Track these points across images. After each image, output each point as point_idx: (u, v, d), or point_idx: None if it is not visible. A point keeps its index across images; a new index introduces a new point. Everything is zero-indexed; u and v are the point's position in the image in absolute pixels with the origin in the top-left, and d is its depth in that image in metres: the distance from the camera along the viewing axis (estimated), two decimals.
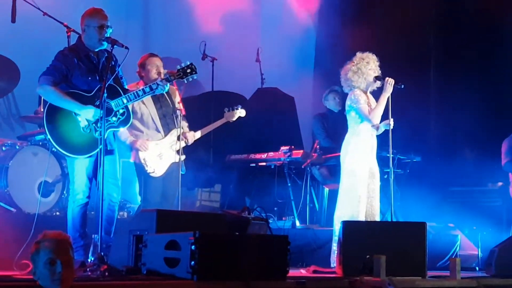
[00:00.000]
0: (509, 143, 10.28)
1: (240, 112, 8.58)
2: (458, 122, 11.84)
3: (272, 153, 10.00)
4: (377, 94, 7.97)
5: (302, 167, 9.79)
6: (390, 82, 7.73)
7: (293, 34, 12.56)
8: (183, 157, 7.99)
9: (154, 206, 7.22)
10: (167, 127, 8.03)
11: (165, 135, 7.98)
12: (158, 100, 7.99)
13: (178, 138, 7.96)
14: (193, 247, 5.10)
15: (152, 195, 7.83)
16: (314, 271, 7.36)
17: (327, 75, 10.79)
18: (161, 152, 7.88)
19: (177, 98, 8.12)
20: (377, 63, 7.87)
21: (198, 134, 8.27)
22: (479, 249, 9.05)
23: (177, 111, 8.01)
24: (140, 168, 7.87)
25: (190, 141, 8.14)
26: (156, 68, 7.99)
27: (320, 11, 12.84)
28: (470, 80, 12.13)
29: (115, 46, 6.61)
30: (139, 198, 8.12)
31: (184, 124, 8.12)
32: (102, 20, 6.68)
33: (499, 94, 12.06)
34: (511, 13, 12.17)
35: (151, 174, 7.81)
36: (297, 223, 9.57)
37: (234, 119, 8.55)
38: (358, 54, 7.87)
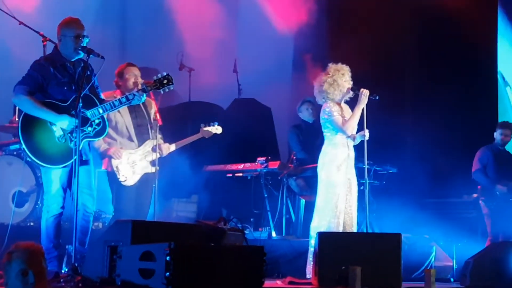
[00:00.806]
0: (483, 152, 10.37)
1: (217, 129, 8.56)
2: (434, 133, 11.90)
3: (248, 163, 9.99)
4: (352, 103, 7.97)
5: (279, 178, 9.80)
6: (365, 93, 7.75)
7: (271, 45, 12.57)
8: (157, 168, 7.95)
9: (127, 216, 7.18)
10: (142, 137, 7.99)
11: (139, 145, 7.94)
12: (134, 110, 7.93)
13: (153, 149, 7.93)
14: (168, 258, 5.08)
15: (125, 205, 7.78)
16: (290, 282, 7.36)
17: (304, 86, 10.80)
18: (134, 161, 7.83)
19: (153, 109, 8.09)
20: (350, 74, 7.88)
21: (172, 147, 8.23)
22: (454, 260, 9.09)
23: (154, 121, 7.98)
24: (112, 177, 7.81)
25: (165, 153, 8.11)
26: (134, 77, 7.94)
27: (298, 22, 12.86)
28: (446, 92, 12.20)
29: (91, 55, 6.59)
30: (112, 208, 8.07)
31: (158, 135, 8.08)
32: (78, 30, 6.66)
33: (474, 107, 12.14)
34: (483, 28, 12.30)
35: (123, 183, 7.75)
36: (273, 234, 9.56)
37: (210, 135, 8.53)
38: (332, 66, 7.86)
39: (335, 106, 7.77)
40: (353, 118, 7.74)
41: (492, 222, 10.09)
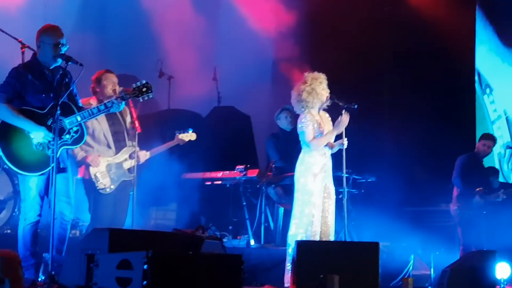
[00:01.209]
0: (464, 160, 10.42)
1: (191, 136, 8.55)
2: (412, 142, 11.96)
3: (227, 172, 9.99)
4: (329, 112, 7.97)
5: (258, 186, 9.80)
6: (343, 121, 7.73)
7: (251, 53, 12.58)
8: (135, 175, 7.92)
9: (104, 224, 7.16)
10: (119, 144, 7.95)
11: (117, 152, 7.91)
12: (111, 117, 7.88)
13: (130, 157, 7.90)
14: (145, 266, 5.06)
15: (102, 213, 7.75)
16: None
17: (284, 95, 10.82)
18: (111, 169, 7.80)
19: (129, 116, 8.04)
20: (326, 82, 7.87)
21: (149, 154, 8.21)
22: (432, 269, 9.10)
23: (133, 129, 7.95)
24: (89, 185, 7.77)
25: (142, 160, 8.08)
26: (112, 85, 7.91)
27: (278, 31, 12.89)
28: (424, 101, 12.27)
29: (69, 63, 6.58)
30: (89, 216, 8.03)
31: (135, 142, 8.04)
32: (57, 38, 6.65)
33: (452, 116, 12.22)
34: (461, 37, 12.39)
35: (101, 191, 7.71)
36: (252, 242, 9.55)
37: (185, 141, 8.52)
38: (310, 75, 7.81)
39: (313, 118, 7.74)
40: (324, 139, 7.70)
41: (464, 231, 10.14)
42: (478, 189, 10.14)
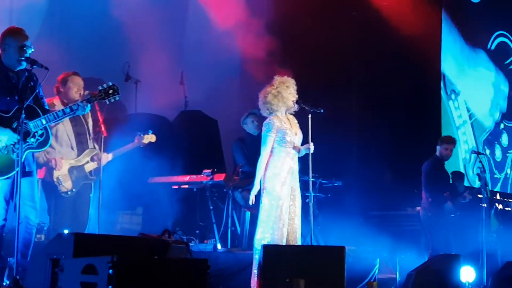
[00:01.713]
0: (429, 166, 10.48)
1: (151, 137, 8.53)
2: (379, 147, 12.04)
3: (194, 176, 9.96)
4: (297, 116, 7.99)
5: (224, 190, 9.80)
6: (310, 148, 7.76)
7: (218, 58, 12.58)
8: (95, 178, 7.88)
9: (65, 227, 7.13)
10: (81, 146, 7.91)
11: (79, 154, 7.86)
12: (74, 118, 7.80)
13: (92, 159, 7.86)
14: (110, 271, 5.04)
15: (62, 216, 7.70)
16: None
17: (251, 99, 10.84)
18: (73, 171, 7.75)
19: (90, 120, 8.00)
20: (295, 87, 7.90)
21: (110, 156, 8.17)
22: (397, 273, 9.16)
23: (99, 132, 7.91)
24: (49, 187, 7.70)
25: (104, 163, 8.02)
26: (78, 88, 7.87)
27: (246, 36, 12.90)
28: (390, 106, 12.37)
29: (34, 66, 6.53)
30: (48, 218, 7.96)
31: (96, 145, 8.00)
32: (22, 40, 6.60)
33: (419, 121, 12.33)
34: (428, 42, 12.51)
35: (63, 194, 7.66)
36: (219, 246, 9.54)
37: (145, 143, 8.49)
38: (278, 78, 7.85)
39: (278, 121, 7.76)
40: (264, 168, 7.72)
41: (434, 235, 10.20)
42: (445, 194, 10.21)
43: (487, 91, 14.60)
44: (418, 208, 10.96)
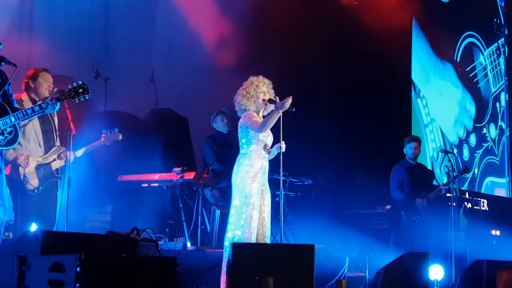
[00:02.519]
0: (397, 170, 10.56)
1: (118, 136, 8.48)
2: (349, 145, 12.08)
3: (164, 174, 9.94)
4: None
5: (194, 188, 9.78)
6: (287, 102, 7.69)
7: (189, 56, 12.56)
8: (61, 176, 7.83)
9: (31, 225, 7.09)
10: (48, 144, 7.85)
11: (45, 152, 7.80)
12: (41, 116, 7.74)
13: (59, 157, 7.80)
14: (78, 269, 5.02)
15: (29, 214, 7.63)
16: None
17: (222, 98, 10.85)
18: (40, 169, 7.69)
19: (56, 118, 7.94)
20: (270, 86, 7.90)
21: (78, 153, 8.12)
22: (367, 271, 9.20)
23: (68, 130, 7.85)
24: (15, 184, 7.61)
25: (70, 160, 7.94)
26: (48, 84, 7.81)
27: (219, 35, 12.89)
28: (362, 104, 12.41)
29: (3, 63, 6.47)
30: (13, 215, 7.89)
31: (62, 144, 7.93)
32: None
33: (390, 119, 12.38)
34: (397, 43, 12.58)
35: (29, 192, 7.59)
36: (188, 245, 9.52)
37: (111, 141, 8.45)
38: (250, 78, 7.90)
39: (254, 114, 7.79)
40: (270, 120, 7.65)
41: (410, 234, 10.22)
42: (419, 199, 10.26)
43: (452, 107, 14.72)
44: (388, 206, 11.03)
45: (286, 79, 11.10)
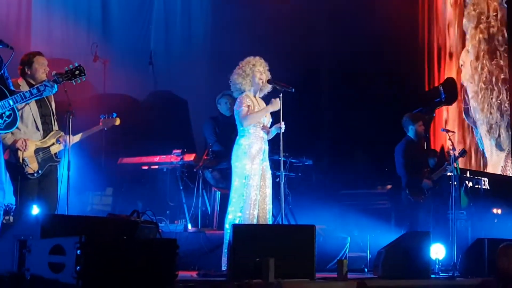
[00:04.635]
0: (403, 147, 10.42)
1: (115, 121, 8.43)
2: (350, 126, 12.05)
3: (164, 156, 9.94)
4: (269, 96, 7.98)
5: (194, 170, 9.77)
6: (276, 102, 7.73)
7: (187, 38, 12.53)
8: (60, 160, 7.79)
9: (32, 209, 7.08)
10: (47, 127, 7.78)
11: (44, 136, 7.75)
12: (39, 99, 7.69)
13: (58, 141, 7.77)
14: (78, 251, 5.01)
15: (28, 198, 7.59)
16: (204, 275, 7.36)
17: (221, 79, 10.83)
18: (39, 153, 7.65)
19: (53, 102, 7.88)
20: (266, 67, 7.89)
21: (76, 138, 8.07)
22: (368, 251, 9.21)
23: (67, 112, 7.80)
24: (15, 168, 7.57)
25: (69, 145, 7.89)
26: (44, 67, 7.74)
27: (214, 13, 12.86)
28: (362, 84, 12.37)
29: None
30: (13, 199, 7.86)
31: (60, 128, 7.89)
32: None
33: (390, 99, 12.34)
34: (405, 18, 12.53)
35: (29, 176, 7.55)
36: (189, 227, 9.53)
37: (109, 126, 8.40)
38: (246, 58, 7.89)
39: (248, 98, 7.77)
40: (256, 115, 7.69)
41: (411, 214, 10.17)
42: (425, 170, 10.19)
43: None
44: (388, 186, 10.99)
45: (285, 56, 11.08)
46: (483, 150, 15.08)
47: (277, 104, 7.75)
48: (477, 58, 14.98)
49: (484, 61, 15.03)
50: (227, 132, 9.82)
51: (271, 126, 7.88)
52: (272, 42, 11.62)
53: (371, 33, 12.42)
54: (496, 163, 15.20)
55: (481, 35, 15.07)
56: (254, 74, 7.79)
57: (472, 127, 14.97)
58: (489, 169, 14.93)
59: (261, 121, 7.78)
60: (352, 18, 12.54)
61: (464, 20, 14.93)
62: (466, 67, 14.85)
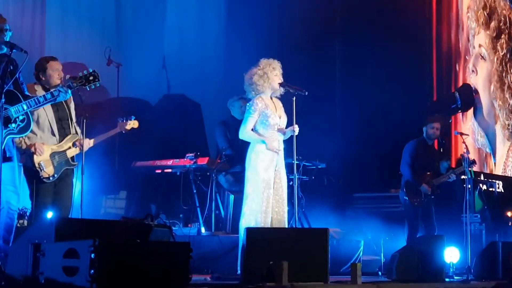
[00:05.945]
0: (412, 146, 10.40)
1: (134, 123, 8.43)
2: (362, 129, 12.03)
3: (177, 159, 9.94)
4: (284, 100, 7.97)
5: (208, 173, 9.78)
6: (294, 130, 7.74)
7: (201, 41, 12.54)
8: (77, 163, 7.82)
9: (47, 213, 7.11)
10: (63, 132, 7.79)
11: (60, 140, 7.77)
12: (55, 103, 7.70)
13: (74, 145, 7.78)
14: (92, 255, 5.03)
15: (44, 202, 7.62)
16: (218, 278, 7.37)
17: (235, 82, 10.83)
18: (55, 157, 7.67)
19: (72, 104, 7.90)
20: (281, 71, 7.88)
21: (92, 142, 8.08)
22: (382, 254, 9.19)
23: (81, 116, 7.82)
24: (31, 172, 7.60)
25: (85, 149, 7.91)
26: (58, 73, 7.75)
27: (228, 18, 12.86)
28: (375, 87, 12.34)
29: (14, 50, 6.46)
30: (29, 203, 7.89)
31: (79, 130, 7.90)
32: (1, 24, 6.51)
33: (402, 101, 12.30)
34: (407, 20, 12.49)
35: (44, 180, 7.57)
36: (203, 230, 9.53)
37: (127, 129, 8.41)
38: (264, 60, 7.82)
39: (262, 104, 7.73)
40: (255, 138, 7.71)
41: (412, 217, 10.16)
42: (428, 173, 10.17)
43: None
44: None
45: (299, 61, 11.09)
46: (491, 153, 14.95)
47: (288, 134, 7.75)
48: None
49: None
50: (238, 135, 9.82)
51: (286, 127, 7.86)
52: (285, 46, 11.62)
53: (390, 25, 12.37)
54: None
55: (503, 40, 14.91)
56: (273, 78, 7.75)
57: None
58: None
59: (276, 122, 7.75)
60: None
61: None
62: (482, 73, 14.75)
